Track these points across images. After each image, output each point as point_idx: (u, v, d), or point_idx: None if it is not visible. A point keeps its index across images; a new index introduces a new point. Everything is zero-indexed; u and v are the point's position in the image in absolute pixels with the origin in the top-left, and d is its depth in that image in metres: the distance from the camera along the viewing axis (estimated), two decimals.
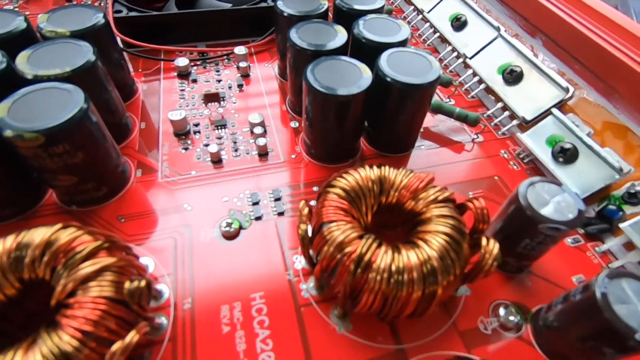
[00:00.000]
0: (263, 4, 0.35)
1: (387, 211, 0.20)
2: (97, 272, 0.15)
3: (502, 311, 0.19)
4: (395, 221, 0.21)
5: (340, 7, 0.29)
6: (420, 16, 0.40)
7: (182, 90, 0.31)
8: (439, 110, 0.29)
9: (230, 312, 0.19)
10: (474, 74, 0.32)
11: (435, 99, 0.30)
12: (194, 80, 0.31)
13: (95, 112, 0.21)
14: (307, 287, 0.20)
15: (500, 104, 0.30)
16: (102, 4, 0.38)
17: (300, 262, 0.21)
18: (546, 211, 0.18)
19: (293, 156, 0.26)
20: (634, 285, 0.15)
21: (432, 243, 0.17)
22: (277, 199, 0.24)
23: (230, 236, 0.21)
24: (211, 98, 0.29)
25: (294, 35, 0.25)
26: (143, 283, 0.15)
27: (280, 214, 0.23)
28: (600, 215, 0.23)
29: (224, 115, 0.29)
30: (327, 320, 0.19)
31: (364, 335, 0.18)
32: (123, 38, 0.32)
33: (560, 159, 0.25)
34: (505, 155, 0.28)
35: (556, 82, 0.27)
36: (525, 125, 0.28)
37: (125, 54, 0.31)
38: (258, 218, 0.23)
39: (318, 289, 0.20)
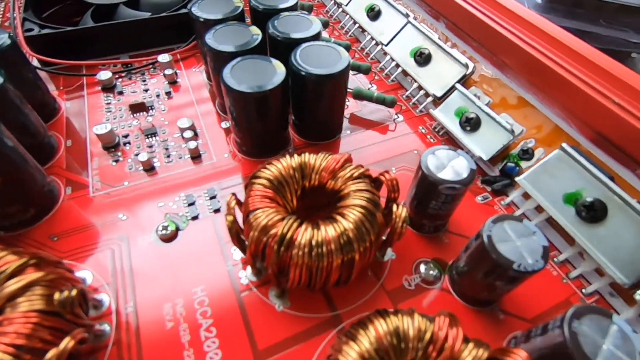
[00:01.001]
0: (183, 11, 0.35)
1: (312, 194, 0.22)
2: (24, 288, 0.15)
3: (422, 268, 0.22)
4: (321, 201, 0.22)
5: (256, 8, 0.30)
6: (341, 9, 0.42)
7: (108, 103, 0.31)
8: (359, 96, 0.31)
9: (173, 309, 0.19)
10: (392, 59, 0.35)
11: (357, 85, 0.32)
12: (120, 93, 0.31)
13: (11, 137, 0.21)
14: (246, 274, 0.21)
15: (415, 85, 0.33)
16: (11, 24, 0.36)
17: (238, 253, 0.22)
18: (444, 174, 0.20)
19: (226, 155, 0.27)
20: (513, 225, 0.18)
21: (349, 216, 0.19)
22: (212, 197, 0.25)
23: (167, 238, 0.22)
24: (138, 108, 0.30)
25: (210, 39, 0.26)
26: (74, 292, 0.16)
27: (216, 211, 0.24)
28: (503, 172, 0.26)
29: (153, 123, 0.29)
30: (266, 301, 0.20)
31: (301, 308, 0.20)
32: (37, 57, 0.31)
33: (467, 128, 0.28)
34: (423, 131, 0.31)
35: (458, 60, 0.30)
36: (438, 101, 0.31)
37: (42, 72, 0.31)
38: (194, 218, 0.23)
39: (256, 274, 0.21)
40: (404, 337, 0.15)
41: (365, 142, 0.30)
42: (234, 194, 0.20)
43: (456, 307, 0.20)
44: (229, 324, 0.19)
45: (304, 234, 0.18)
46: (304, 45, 0.26)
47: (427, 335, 0.15)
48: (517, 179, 0.25)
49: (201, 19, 0.28)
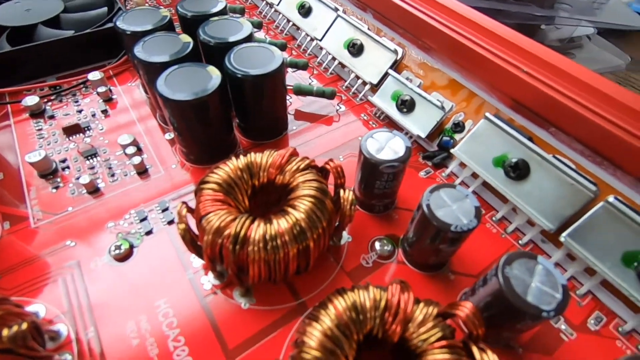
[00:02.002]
0: (108, 25, 0.34)
1: (263, 191, 0.22)
2: None
3: (377, 245, 0.23)
4: (273, 197, 0.23)
5: (184, 16, 0.30)
6: (273, 9, 0.42)
7: (40, 129, 0.29)
8: (300, 91, 0.32)
9: (137, 326, 0.19)
10: (327, 53, 0.36)
11: (297, 81, 0.33)
12: (51, 117, 0.30)
13: None
14: (209, 279, 0.21)
15: (353, 75, 0.34)
16: None
17: (198, 260, 0.22)
18: (383, 155, 0.22)
19: (174, 166, 0.27)
20: (448, 192, 0.20)
21: (299, 206, 0.20)
22: (165, 210, 0.24)
23: (122, 257, 0.22)
24: (72, 130, 0.28)
25: (139, 51, 0.26)
26: (24, 326, 0.15)
27: (170, 222, 0.24)
28: (440, 146, 0.28)
29: (92, 144, 0.28)
30: (232, 301, 0.20)
31: (267, 302, 0.21)
32: None
33: (404, 110, 0.30)
34: (365, 117, 0.32)
35: (388, 47, 0.32)
36: (375, 88, 0.32)
37: None
38: (148, 233, 0.23)
39: (218, 277, 0.21)
40: (361, 309, 0.16)
41: (312, 136, 0.31)
42: (184, 203, 0.20)
43: (412, 275, 0.22)
44: (197, 330, 0.19)
45: (257, 230, 0.18)
46: (236, 48, 0.26)
47: (382, 304, 0.16)
48: (452, 151, 0.27)
49: (128, 32, 0.28)
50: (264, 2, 0.43)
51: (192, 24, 0.29)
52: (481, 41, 0.27)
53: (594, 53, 0.45)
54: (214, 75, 0.24)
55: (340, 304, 0.17)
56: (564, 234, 0.22)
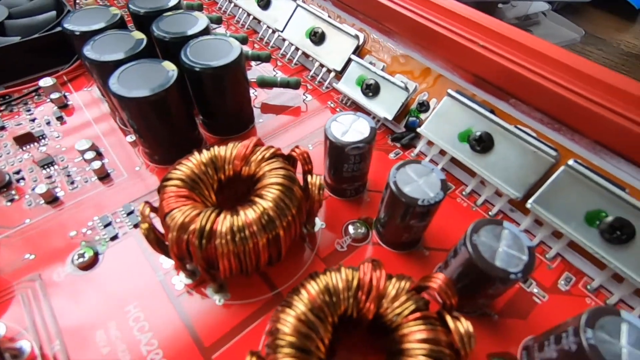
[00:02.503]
0: (58, 29, 0.33)
1: (230, 185, 0.22)
2: None
3: (351, 229, 0.23)
4: (241, 189, 0.22)
5: (137, 13, 0.29)
6: (232, 3, 0.41)
7: None
8: (264, 83, 0.31)
9: (107, 334, 0.18)
10: (290, 44, 0.36)
11: (261, 74, 0.32)
12: (2, 128, 0.28)
13: None
14: (180, 279, 0.21)
15: (317, 64, 0.34)
16: None
17: (168, 261, 0.21)
18: (348, 137, 0.21)
19: (137, 168, 0.26)
20: (414, 168, 0.20)
21: (267, 195, 0.19)
22: (130, 213, 0.23)
23: (87, 266, 0.21)
24: (25, 140, 0.27)
25: (89, 51, 0.24)
26: None
27: (136, 225, 0.23)
28: (407, 127, 0.29)
29: (49, 152, 0.27)
30: (206, 299, 0.20)
31: (242, 296, 0.20)
32: None
33: (369, 94, 0.30)
34: (332, 105, 0.32)
35: (349, 33, 0.32)
36: (339, 75, 0.32)
37: None
38: (114, 238, 0.22)
39: (189, 276, 0.21)
40: (334, 291, 0.16)
41: (280, 127, 0.30)
42: (146, 202, 0.19)
43: (387, 255, 0.22)
44: (170, 332, 0.19)
45: (224, 223, 0.18)
46: (192, 41, 0.26)
47: (354, 283, 0.16)
48: (419, 130, 0.27)
49: (77, 33, 0.26)
50: None
51: (145, 21, 0.28)
52: (440, 20, 0.28)
53: (550, 29, 0.47)
54: (170, 70, 0.23)
55: (313, 288, 0.16)
56: (530, 201, 0.22)
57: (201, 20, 0.28)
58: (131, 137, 0.28)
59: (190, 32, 0.26)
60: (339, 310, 0.16)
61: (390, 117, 0.28)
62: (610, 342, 0.14)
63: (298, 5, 0.35)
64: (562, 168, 0.21)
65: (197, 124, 0.27)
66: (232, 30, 0.40)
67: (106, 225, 0.23)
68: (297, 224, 0.20)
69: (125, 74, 0.23)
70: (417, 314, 0.15)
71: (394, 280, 0.16)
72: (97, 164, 0.25)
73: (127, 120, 0.24)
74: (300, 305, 0.16)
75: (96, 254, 0.21)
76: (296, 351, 0.14)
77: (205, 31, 0.27)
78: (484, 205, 0.25)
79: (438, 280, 0.16)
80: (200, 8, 0.40)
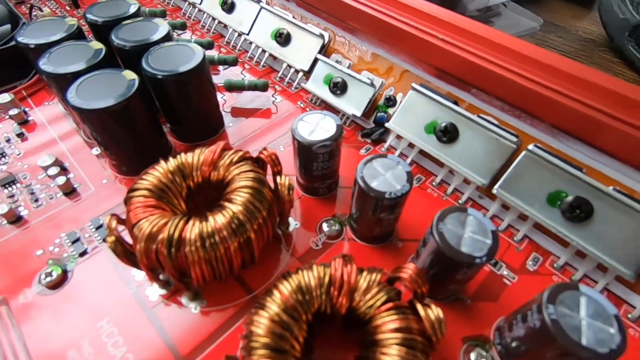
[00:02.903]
0: (12, 43, 0.31)
1: (200, 191, 0.22)
2: None
3: (325, 227, 0.23)
4: (212, 195, 0.22)
5: (95, 23, 0.28)
6: (196, 9, 0.41)
7: None
8: (231, 87, 0.31)
9: (79, 352, 0.18)
10: (257, 46, 0.36)
11: (228, 78, 0.32)
12: None
13: None
14: (154, 290, 0.20)
15: (285, 65, 0.34)
16: None
17: (140, 273, 0.21)
18: (315, 136, 0.22)
19: (105, 181, 0.26)
20: (380, 161, 0.20)
21: (236, 199, 0.19)
22: (99, 227, 0.23)
23: (55, 284, 0.20)
24: None
25: (45, 64, 0.24)
26: None
27: (105, 239, 0.22)
28: (376, 122, 0.29)
29: (10, 171, 0.26)
30: (181, 308, 0.20)
31: (219, 302, 0.20)
32: None
33: (337, 92, 0.30)
34: (302, 105, 0.32)
35: (314, 33, 0.32)
36: (307, 74, 0.32)
37: None
38: (83, 254, 0.22)
39: (163, 286, 0.20)
40: (307, 289, 0.16)
41: (250, 130, 0.30)
42: (113, 215, 0.19)
43: (362, 250, 0.22)
44: (146, 344, 0.18)
45: (193, 230, 0.18)
46: (153, 49, 0.25)
47: (326, 280, 0.16)
48: (387, 125, 0.27)
49: (32, 46, 0.26)
50: (186, 2, 0.42)
51: (104, 30, 0.27)
52: (401, 16, 0.28)
53: (511, 19, 0.48)
54: (131, 79, 0.23)
55: (285, 288, 0.16)
56: (495, 187, 0.23)
57: (162, 27, 0.27)
58: (97, 150, 0.28)
59: (151, 40, 0.26)
60: (313, 308, 0.16)
61: (358, 114, 0.29)
62: (571, 316, 0.15)
63: (262, 8, 0.35)
64: (523, 153, 0.22)
65: (164, 132, 0.27)
66: (197, 36, 0.39)
67: (74, 242, 0.22)
68: (269, 226, 0.20)
69: (84, 85, 0.23)
70: (389, 305, 0.16)
71: (365, 273, 0.17)
72: (61, 180, 0.24)
73: (90, 133, 0.24)
74: (273, 306, 0.16)
75: (65, 272, 0.21)
76: (271, 352, 0.14)
77: (167, 38, 0.27)
78: (453, 194, 0.25)
79: (408, 270, 0.17)
80: (163, 15, 0.40)
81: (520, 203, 0.22)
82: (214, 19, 0.39)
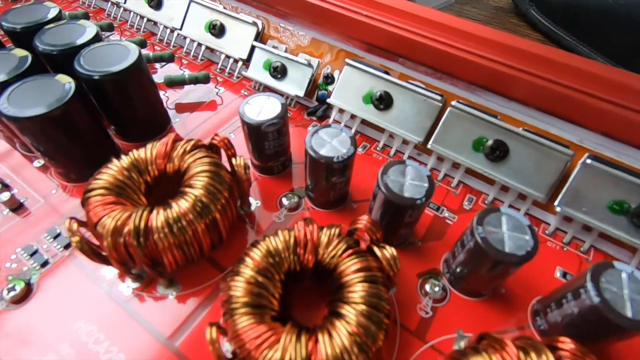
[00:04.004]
0: None
1: (159, 185, 0.22)
2: None
3: (284, 201, 0.25)
4: (172, 187, 0.23)
5: (13, 30, 0.27)
6: (122, 8, 0.40)
7: None
8: (172, 83, 0.31)
9: (59, 355, 0.18)
10: (192, 40, 0.36)
11: (167, 74, 0.32)
12: None
13: None
14: (127, 285, 0.21)
15: (223, 56, 0.34)
16: None
17: (109, 271, 0.21)
18: (262, 116, 0.23)
19: (54, 191, 0.25)
20: (325, 131, 0.22)
21: (196, 184, 0.20)
22: (57, 236, 0.23)
23: (20, 298, 0.20)
24: None
25: None
26: None
27: (67, 246, 0.22)
28: (319, 100, 0.31)
29: None
30: (158, 296, 0.20)
31: (194, 284, 0.21)
32: None
33: (278, 76, 0.31)
34: (246, 93, 0.33)
35: (247, 21, 0.33)
36: (247, 63, 0.33)
37: None
38: (44, 264, 0.21)
39: (136, 279, 0.21)
40: (276, 252, 0.18)
41: (198, 123, 0.30)
42: (71, 218, 0.19)
43: (322, 216, 0.24)
44: (127, 335, 0.19)
45: (158, 218, 0.19)
46: (84, 50, 0.25)
47: (292, 241, 0.18)
48: (329, 101, 0.29)
49: None
50: (109, 3, 0.40)
51: (25, 37, 0.26)
52: None
53: None
54: (66, 83, 0.23)
55: (256, 254, 0.18)
56: (430, 143, 0.26)
57: (89, 28, 0.27)
58: (39, 162, 0.27)
59: (80, 42, 0.25)
60: (284, 268, 0.18)
61: (301, 94, 0.30)
62: (496, 232, 0.18)
63: (191, 1, 0.35)
64: (448, 109, 0.25)
65: (109, 135, 0.27)
66: (126, 36, 0.38)
67: (32, 254, 0.22)
68: (232, 206, 0.21)
69: (16, 94, 0.22)
70: (350, 251, 0.18)
71: (325, 229, 0.19)
72: (5, 196, 0.23)
73: (30, 144, 0.23)
74: (247, 270, 0.17)
75: (28, 284, 0.20)
76: (250, 309, 0.16)
77: (97, 39, 0.26)
78: (396, 155, 0.28)
79: (363, 220, 0.19)
80: (85, 17, 0.38)
81: (451, 153, 0.25)
82: (142, 17, 0.38)
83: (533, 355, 0.15)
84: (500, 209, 0.18)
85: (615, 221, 0.22)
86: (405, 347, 0.19)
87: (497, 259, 0.17)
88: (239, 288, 0.16)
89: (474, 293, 0.20)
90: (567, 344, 0.15)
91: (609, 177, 0.22)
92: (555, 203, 0.23)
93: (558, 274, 0.22)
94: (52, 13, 0.28)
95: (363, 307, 0.16)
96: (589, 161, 0.22)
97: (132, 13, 0.39)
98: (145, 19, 0.38)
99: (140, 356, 0.18)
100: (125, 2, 0.39)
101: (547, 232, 0.24)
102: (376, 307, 0.16)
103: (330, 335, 0.15)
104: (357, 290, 0.17)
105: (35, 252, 0.22)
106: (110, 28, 0.37)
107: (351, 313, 0.16)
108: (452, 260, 0.20)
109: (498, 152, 0.24)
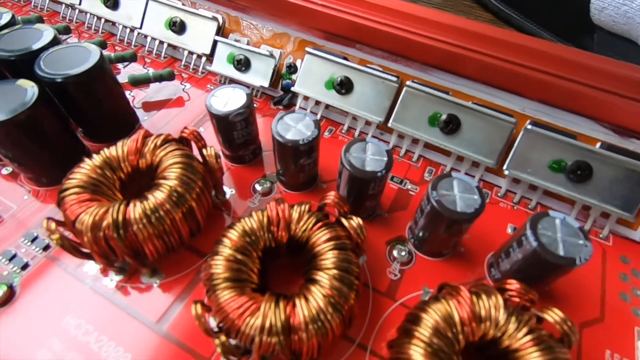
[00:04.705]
0: None
1: (133, 181, 0.23)
2: None
3: (257, 186, 0.26)
4: (147, 182, 0.24)
5: None
6: (77, 10, 0.39)
7: None
8: (137, 82, 0.32)
9: (51, 350, 0.19)
10: (153, 39, 0.36)
11: (132, 74, 0.32)
12: None
13: None
14: (111, 278, 0.21)
15: (186, 52, 0.35)
16: None
17: (91, 267, 0.22)
18: (228, 107, 0.24)
19: (26, 197, 0.25)
20: (290, 116, 0.23)
21: (170, 175, 0.21)
22: (34, 239, 0.23)
23: (4, 301, 0.20)
24: None
25: None
26: None
27: (46, 248, 0.23)
28: (284, 89, 0.32)
29: None
30: (143, 286, 0.21)
31: (177, 271, 0.22)
32: None
33: (242, 69, 0.32)
34: (211, 87, 0.34)
35: (207, 17, 0.33)
36: (210, 58, 0.34)
37: None
38: (24, 267, 0.22)
39: (119, 272, 0.22)
40: (251, 232, 0.19)
41: (166, 120, 0.31)
42: (48, 218, 0.20)
43: (293, 198, 0.25)
44: (116, 324, 0.20)
45: (135, 210, 0.19)
46: (43, 54, 0.25)
47: (265, 220, 0.19)
48: (293, 89, 0.30)
49: None
50: (63, 5, 0.39)
51: None
52: None
53: None
54: (29, 87, 0.23)
55: (233, 234, 0.19)
56: (390, 121, 0.28)
57: (46, 32, 0.27)
58: (7, 170, 0.26)
59: (38, 46, 0.25)
60: (260, 246, 0.19)
61: (266, 85, 0.31)
62: (448, 195, 0.20)
63: None
64: (404, 89, 0.27)
65: (78, 137, 0.27)
66: (85, 38, 0.38)
67: (11, 259, 0.22)
68: (207, 195, 0.22)
69: None
70: (320, 224, 0.19)
71: (295, 207, 0.20)
72: None
73: None
74: (226, 250, 0.18)
75: (11, 287, 0.21)
76: (231, 283, 0.17)
77: (55, 42, 0.26)
78: (360, 135, 0.30)
79: (330, 196, 0.20)
80: (39, 20, 0.37)
81: (410, 130, 0.27)
82: (99, 18, 0.38)
83: (484, 297, 0.17)
84: (452, 174, 0.20)
85: (555, 178, 0.24)
86: (377, 307, 0.21)
87: (451, 218, 0.19)
88: (219, 266, 0.18)
89: (437, 253, 0.23)
90: (513, 284, 0.18)
91: (548, 140, 0.24)
92: (504, 167, 0.25)
93: (509, 230, 0.24)
94: (5, 18, 0.28)
95: (335, 271, 0.18)
96: (530, 127, 0.24)
97: (88, 14, 0.38)
98: (102, 20, 0.38)
99: (130, 341, 0.19)
100: (80, 4, 0.38)
101: (499, 194, 0.26)
102: (347, 270, 0.18)
103: (306, 299, 0.17)
104: (329, 258, 0.18)
105: (14, 256, 0.22)
106: (67, 31, 0.37)
107: (324, 278, 0.18)
108: (415, 226, 0.22)
109: (451, 126, 0.26)
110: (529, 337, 0.16)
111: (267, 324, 0.16)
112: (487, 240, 0.24)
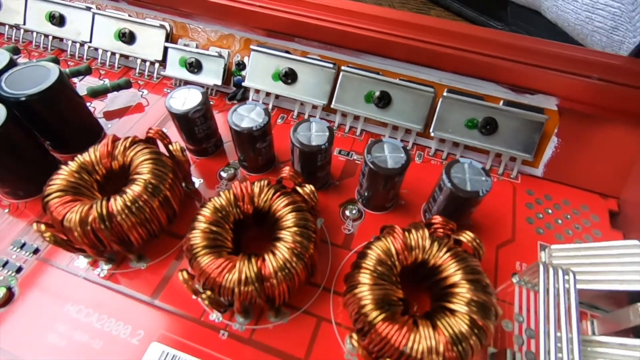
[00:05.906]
0: None
1: (110, 182, 0.25)
2: None
3: (223, 174, 0.29)
4: (123, 181, 0.26)
5: None
6: (22, 30, 0.40)
7: None
8: (95, 93, 0.34)
9: (58, 332, 0.22)
10: (104, 51, 0.37)
11: (89, 86, 0.34)
12: None
13: None
14: (102, 269, 0.24)
15: (139, 61, 0.37)
16: None
17: (80, 261, 0.24)
18: (187, 106, 0.27)
19: (6, 210, 0.27)
20: (244, 108, 0.27)
21: (142, 171, 0.24)
22: (23, 246, 0.25)
23: (5, 302, 0.23)
24: None
25: None
26: None
27: (36, 251, 0.25)
28: (236, 85, 0.35)
29: None
30: (132, 270, 0.24)
31: (161, 253, 0.25)
32: None
33: (195, 70, 0.35)
34: (168, 91, 0.36)
35: (154, 25, 0.36)
36: (163, 63, 0.36)
37: None
38: (18, 270, 0.24)
39: (109, 262, 0.24)
40: (221, 208, 0.22)
41: (129, 126, 0.33)
42: (37, 221, 0.22)
43: (256, 179, 0.29)
44: (113, 304, 0.23)
45: (117, 203, 0.22)
46: (3, 76, 0.26)
47: (232, 197, 0.23)
48: (245, 84, 0.34)
49: None
50: (7, 26, 0.40)
51: None
52: None
53: None
54: None
55: (206, 212, 0.22)
56: (332, 103, 0.32)
57: (2, 55, 0.28)
58: None
59: None
60: (231, 219, 0.23)
61: (219, 83, 0.34)
62: (380, 156, 0.24)
63: (94, 14, 0.37)
64: (341, 74, 0.31)
65: (48, 151, 0.29)
66: (35, 57, 0.39)
67: (4, 265, 0.24)
68: (178, 185, 0.25)
69: None
70: (278, 193, 0.23)
71: (256, 182, 0.24)
72: None
73: None
74: (202, 224, 0.22)
75: (9, 289, 0.23)
76: (209, 249, 0.21)
77: (12, 64, 0.28)
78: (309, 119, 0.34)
79: (286, 170, 0.24)
80: None
81: (350, 108, 0.31)
82: (46, 35, 0.39)
83: (414, 231, 0.21)
84: (382, 139, 0.25)
85: (471, 134, 0.29)
86: (336, 258, 0.25)
87: (385, 174, 0.23)
88: (197, 237, 0.21)
89: (381, 208, 0.27)
90: (436, 219, 0.22)
91: (462, 103, 0.29)
92: (431, 130, 0.30)
93: None
94: None
95: (295, 228, 0.22)
96: (446, 94, 0.29)
97: (34, 33, 0.39)
98: (50, 37, 0.39)
99: (128, 316, 0.22)
100: (24, 24, 0.39)
101: (430, 154, 0.31)
102: (305, 227, 0.22)
103: (273, 253, 0.21)
104: (289, 219, 0.22)
105: (6, 262, 0.24)
106: (16, 52, 0.38)
107: (287, 235, 0.21)
108: (361, 188, 0.27)
109: (384, 101, 0.30)
110: (448, 254, 0.21)
111: (243, 277, 0.20)
112: (422, 192, 0.28)
